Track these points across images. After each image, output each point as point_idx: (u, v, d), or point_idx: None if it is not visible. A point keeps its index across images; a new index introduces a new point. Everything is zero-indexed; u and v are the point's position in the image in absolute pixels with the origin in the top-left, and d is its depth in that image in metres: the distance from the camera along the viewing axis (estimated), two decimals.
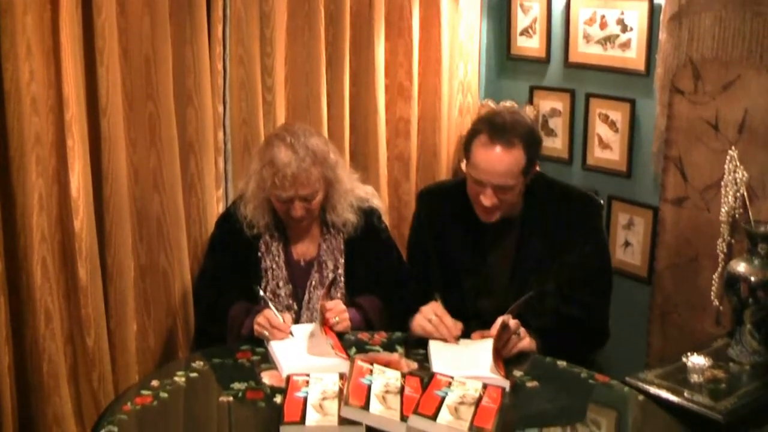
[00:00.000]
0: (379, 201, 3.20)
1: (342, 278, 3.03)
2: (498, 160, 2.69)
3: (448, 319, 2.70)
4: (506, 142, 2.69)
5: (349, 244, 3.04)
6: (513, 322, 2.60)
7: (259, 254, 2.98)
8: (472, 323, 2.76)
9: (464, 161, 2.88)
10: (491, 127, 2.71)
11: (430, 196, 3.09)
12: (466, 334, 2.72)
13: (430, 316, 2.70)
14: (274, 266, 2.99)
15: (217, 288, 2.99)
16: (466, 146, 2.79)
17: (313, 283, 3.01)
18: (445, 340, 2.66)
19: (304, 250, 3.04)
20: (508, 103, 3.99)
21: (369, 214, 3.07)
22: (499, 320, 2.57)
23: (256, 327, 2.73)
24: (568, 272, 2.83)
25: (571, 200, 2.93)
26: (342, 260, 3.03)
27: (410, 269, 3.10)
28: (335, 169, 2.95)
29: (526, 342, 2.65)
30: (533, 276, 2.81)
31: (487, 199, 2.73)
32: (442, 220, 2.97)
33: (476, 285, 2.91)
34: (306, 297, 3.00)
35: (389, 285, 3.02)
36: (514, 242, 2.88)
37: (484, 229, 2.87)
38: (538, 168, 2.86)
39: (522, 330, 2.64)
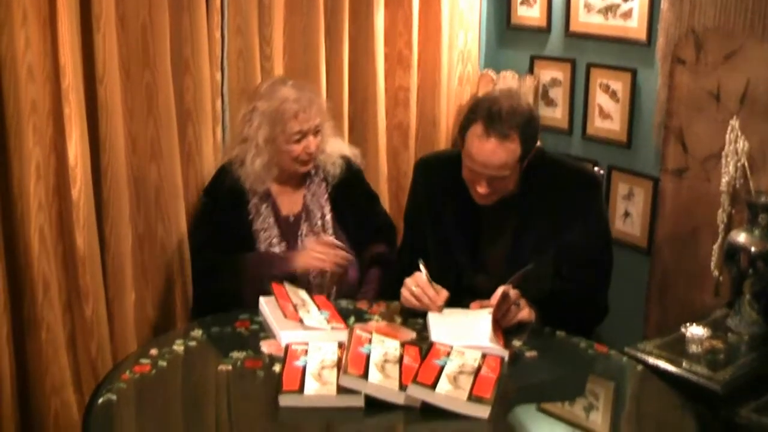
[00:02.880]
0: (361, 162, 3.27)
1: (330, 226, 3.10)
2: (492, 153, 2.64)
3: (430, 290, 2.69)
4: (502, 134, 2.63)
5: (332, 193, 3.13)
6: (513, 292, 2.59)
7: (250, 218, 3.02)
8: (467, 298, 2.75)
9: None
10: (488, 116, 2.63)
11: (428, 167, 3.05)
12: (459, 307, 2.71)
13: (412, 287, 2.70)
14: (266, 226, 3.04)
15: (217, 250, 3.03)
16: (461, 131, 2.73)
17: (303, 233, 3.07)
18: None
19: (290, 205, 3.10)
20: (508, 73, 3.97)
21: (350, 165, 3.17)
22: (500, 290, 2.56)
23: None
24: (568, 252, 2.81)
25: (571, 178, 2.89)
26: (328, 207, 3.11)
27: (403, 238, 3.12)
28: (324, 107, 3.08)
29: (525, 312, 2.64)
30: (533, 255, 2.78)
31: (481, 188, 2.71)
32: (439, 192, 2.93)
33: (472, 261, 2.89)
34: (299, 249, 3.03)
35: (377, 232, 3.13)
36: (513, 221, 2.85)
37: (482, 206, 2.85)
38: (539, 143, 2.82)
39: (522, 300, 2.63)
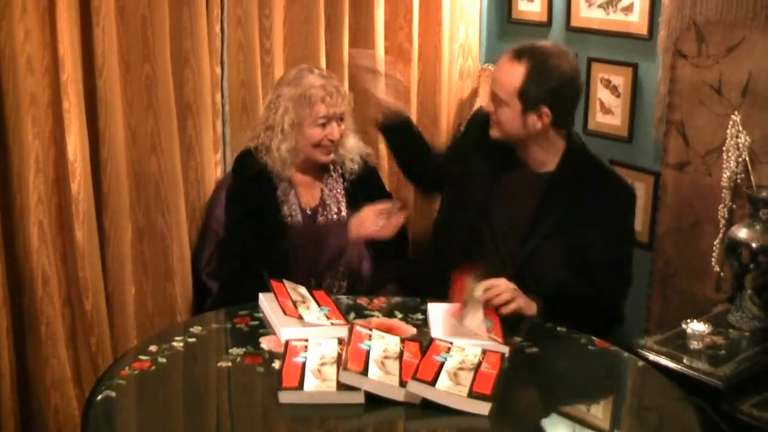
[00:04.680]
0: (377, 162, 3.34)
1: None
2: (499, 66, 2.79)
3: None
4: (515, 55, 2.73)
5: (349, 188, 3.14)
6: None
7: (279, 203, 3.03)
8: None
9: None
10: (523, 45, 2.78)
11: (485, 122, 2.94)
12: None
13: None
14: (293, 213, 3.05)
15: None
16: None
17: None
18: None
19: (309, 198, 3.11)
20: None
21: (367, 162, 3.19)
22: (491, 283, 2.56)
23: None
24: (587, 252, 2.76)
25: (609, 182, 2.88)
26: (344, 203, 3.12)
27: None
28: (349, 99, 3.10)
29: (522, 301, 2.62)
30: (545, 239, 2.76)
31: (487, 105, 2.80)
32: (484, 150, 2.91)
33: (487, 229, 2.87)
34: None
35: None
36: (537, 200, 2.82)
37: (509, 178, 2.83)
38: (578, 139, 2.86)
39: (518, 292, 2.62)
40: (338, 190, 3.14)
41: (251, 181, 3.03)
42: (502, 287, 2.59)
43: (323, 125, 2.98)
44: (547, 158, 2.84)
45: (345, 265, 3.05)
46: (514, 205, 2.87)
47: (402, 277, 3.13)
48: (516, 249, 2.77)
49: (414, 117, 3.90)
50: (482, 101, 3.98)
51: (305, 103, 2.96)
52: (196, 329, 2.52)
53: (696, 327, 2.83)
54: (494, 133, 2.83)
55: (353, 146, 3.14)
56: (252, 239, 2.97)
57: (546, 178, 2.83)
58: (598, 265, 2.77)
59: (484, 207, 2.87)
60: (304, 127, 2.97)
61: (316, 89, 2.96)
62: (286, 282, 2.67)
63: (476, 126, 3.02)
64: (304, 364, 2.23)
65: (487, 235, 2.87)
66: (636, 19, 3.56)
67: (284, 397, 2.12)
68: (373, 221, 2.88)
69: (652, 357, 2.77)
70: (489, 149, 2.89)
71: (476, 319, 2.49)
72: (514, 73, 2.70)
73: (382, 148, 3.64)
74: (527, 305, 2.64)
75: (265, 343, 2.45)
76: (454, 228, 2.91)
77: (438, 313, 2.62)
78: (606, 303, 2.83)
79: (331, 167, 3.12)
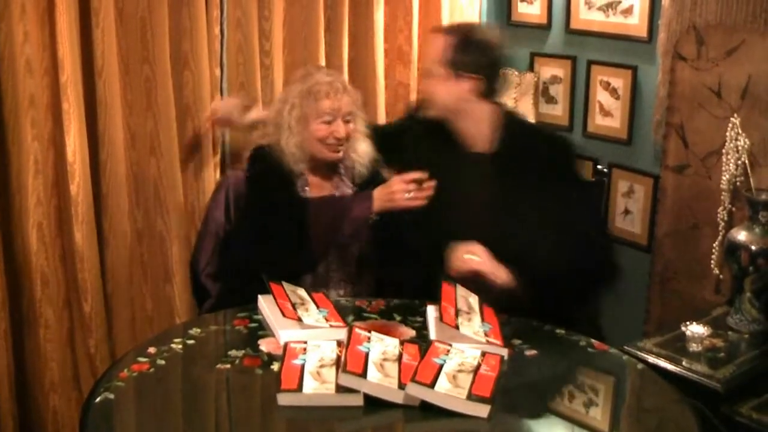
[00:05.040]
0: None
1: None
2: (428, 44, 2.92)
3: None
4: (441, 30, 2.94)
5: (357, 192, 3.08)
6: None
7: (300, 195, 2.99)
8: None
9: None
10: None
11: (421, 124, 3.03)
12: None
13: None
14: None
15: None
16: None
17: None
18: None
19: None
20: (508, 70, 3.96)
21: (377, 169, 3.12)
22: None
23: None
24: (558, 215, 2.73)
25: (545, 141, 2.92)
26: None
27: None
28: (359, 103, 3.06)
29: (485, 265, 2.64)
30: (511, 213, 2.74)
31: (420, 85, 2.92)
32: (424, 145, 2.97)
33: (453, 225, 2.85)
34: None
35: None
36: (487, 184, 2.83)
37: (456, 168, 2.86)
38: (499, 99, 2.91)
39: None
40: (347, 194, 3.10)
41: (267, 171, 3.00)
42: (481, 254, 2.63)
43: (329, 122, 2.94)
44: (483, 133, 2.84)
45: (344, 271, 3.03)
46: (468, 194, 2.86)
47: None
48: (485, 237, 2.76)
49: None
50: None
51: (311, 98, 2.93)
52: (194, 331, 2.52)
53: (695, 329, 2.83)
54: (430, 112, 2.88)
55: (365, 151, 3.06)
56: (270, 217, 2.91)
57: (488, 159, 2.84)
58: (572, 222, 2.75)
59: (442, 203, 2.88)
60: (310, 122, 2.94)
61: (321, 85, 2.93)
62: (285, 284, 2.67)
63: (395, 136, 3.10)
64: (303, 367, 2.22)
65: (454, 230, 2.86)
66: (636, 22, 3.57)
67: (283, 399, 2.12)
68: (404, 191, 2.86)
69: (651, 359, 2.77)
70: (426, 147, 2.94)
71: (473, 325, 2.48)
72: (441, 45, 2.80)
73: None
74: (500, 270, 2.64)
75: (264, 345, 2.45)
76: (425, 232, 2.89)
77: (437, 315, 2.61)
78: (596, 254, 2.77)
79: (342, 171, 3.07)
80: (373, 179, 3.08)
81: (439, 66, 2.79)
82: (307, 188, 3.00)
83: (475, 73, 2.78)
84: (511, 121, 2.87)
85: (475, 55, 2.79)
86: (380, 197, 2.86)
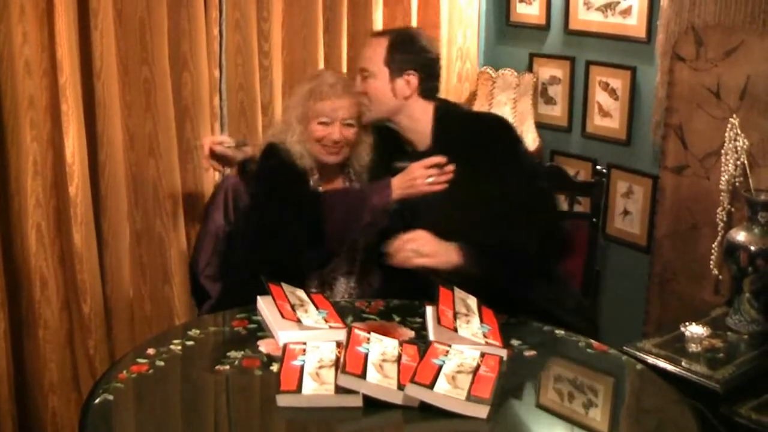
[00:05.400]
0: None
1: None
2: (365, 47, 2.96)
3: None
4: (377, 34, 3.05)
5: None
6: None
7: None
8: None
9: None
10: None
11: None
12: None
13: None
14: None
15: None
16: None
17: None
18: None
19: None
20: (507, 71, 3.96)
21: None
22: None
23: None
24: (494, 192, 2.75)
25: (480, 123, 2.98)
26: None
27: None
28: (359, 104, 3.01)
29: (441, 257, 2.65)
30: (456, 206, 2.76)
31: (359, 84, 2.90)
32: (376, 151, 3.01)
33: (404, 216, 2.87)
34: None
35: None
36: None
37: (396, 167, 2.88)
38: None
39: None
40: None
41: (279, 166, 2.96)
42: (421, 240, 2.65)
43: (326, 123, 2.91)
44: (424, 132, 2.89)
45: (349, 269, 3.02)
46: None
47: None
48: (445, 234, 2.76)
49: None
50: (480, 104, 3.99)
51: (312, 98, 2.91)
52: (194, 332, 2.51)
53: (694, 330, 2.83)
54: (367, 116, 2.91)
55: (365, 155, 3.01)
56: (283, 211, 2.86)
57: (428, 154, 2.84)
58: (513, 199, 2.76)
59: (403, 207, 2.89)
60: (309, 121, 2.93)
61: (323, 86, 2.92)
62: (284, 285, 2.66)
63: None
64: (302, 368, 2.22)
65: (407, 228, 2.87)
66: (634, 23, 3.57)
67: (282, 401, 2.12)
68: (425, 176, 2.83)
69: (650, 360, 2.77)
70: (377, 152, 2.98)
71: (471, 327, 2.48)
72: (379, 46, 2.87)
73: None
74: (446, 254, 2.65)
75: (264, 346, 2.45)
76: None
77: (436, 318, 2.61)
78: (536, 229, 2.77)
79: (354, 176, 3.03)
80: None
81: (379, 66, 2.86)
82: (319, 187, 2.99)
83: (413, 71, 2.86)
84: (445, 115, 2.91)
85: (412, 53, 2.88)
86: (400, 184, 2.83)
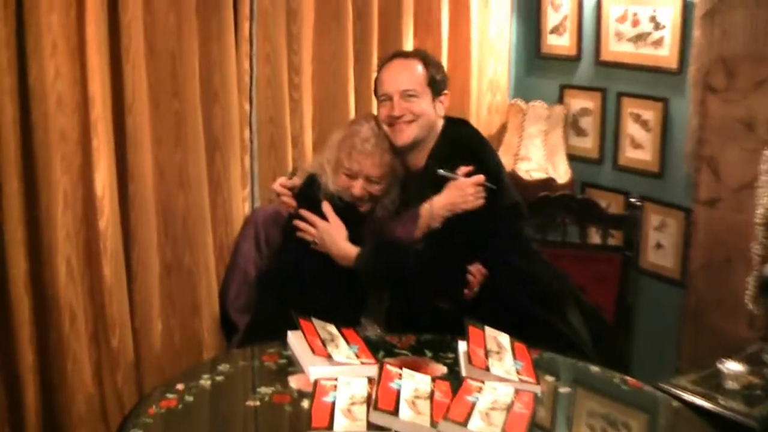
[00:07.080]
0: None
1: None
2: (399, 67, 2.97)
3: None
4: (403, 56, 3.04)
5: None
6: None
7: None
8: None
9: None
10: (392, 53, 3.09)
11: None
12: None
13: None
14: None
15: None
16: (376, 81, 3.05)
17: None
18: None
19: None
20: (537, 103, 3.94)
21: None
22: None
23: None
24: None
25: (453, 139, 2.98)
26: None
27: None
28: (396, 172, 3.00)
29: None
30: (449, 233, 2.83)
31: (396, 109, 2.89)
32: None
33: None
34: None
35: None
36: (421, 194, 2.91)
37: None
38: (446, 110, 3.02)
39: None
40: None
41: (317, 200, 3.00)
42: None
43: (352, 177, 2.94)
44: (427, 150, 2.97)
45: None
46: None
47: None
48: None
49: None
50: (511, 136, 3.97)
51: (343, 148, 2.94)
52: (223, 367, 2.50)
53: (733, 366, 2.79)
54: (409, 134, 2.92)
55: (390, 204, 3.02)
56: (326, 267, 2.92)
57: (421, 175, 2.95)
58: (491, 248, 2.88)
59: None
60: (338, 169, 2.95)
61: (356, 140, 2.93)
62: (314, 320, 2.65)
63: None
64: (333, 404, 2.20)
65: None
66: (666, 53, 3.55)
67: None
68: (476, 193, 2.83)
69: (686, 396, 2.73)
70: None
71: (504, 364, 2.44)
72: (416, 68, 2.95)
73: None
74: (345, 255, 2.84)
75: (294, 381, 2.43)
76: None
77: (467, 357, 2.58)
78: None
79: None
80: None
81: (423, 86, 2.93)
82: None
83: (447, 91, 3.02)
84: (444, 134, 2.98)
85: (442, 74, 3.03)
86: (448, 201, 2.84)
